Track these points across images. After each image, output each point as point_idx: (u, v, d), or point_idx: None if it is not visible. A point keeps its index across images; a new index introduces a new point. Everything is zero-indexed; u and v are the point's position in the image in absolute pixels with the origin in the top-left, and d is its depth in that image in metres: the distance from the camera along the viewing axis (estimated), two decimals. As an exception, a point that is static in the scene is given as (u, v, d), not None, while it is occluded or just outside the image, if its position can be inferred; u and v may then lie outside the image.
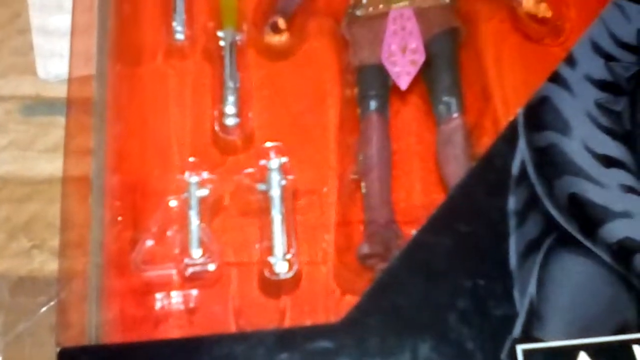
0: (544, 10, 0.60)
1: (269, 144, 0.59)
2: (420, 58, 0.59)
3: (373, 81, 0.60)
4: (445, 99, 0.59)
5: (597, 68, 0.55)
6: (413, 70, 0.60)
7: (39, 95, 0.69)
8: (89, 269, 0.54)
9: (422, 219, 0.52)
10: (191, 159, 0.59)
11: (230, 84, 0.59)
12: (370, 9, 0.62)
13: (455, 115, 0.58)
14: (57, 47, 0.69)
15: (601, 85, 0.54)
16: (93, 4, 0.64)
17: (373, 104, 0.60)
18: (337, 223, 0.57)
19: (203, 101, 0.60)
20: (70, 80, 0.60)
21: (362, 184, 0.58)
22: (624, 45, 0.56)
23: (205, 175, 0.57)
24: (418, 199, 0.58)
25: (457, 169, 0.56)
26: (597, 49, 0.56)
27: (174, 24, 0.61)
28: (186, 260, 0.55)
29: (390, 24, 0.61)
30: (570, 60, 0.55)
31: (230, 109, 0.59)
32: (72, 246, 0.56)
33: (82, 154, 0.59)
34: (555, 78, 0.55)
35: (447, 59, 0.60)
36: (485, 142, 0.56)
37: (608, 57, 0.55)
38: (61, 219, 0.56)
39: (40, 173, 0.66)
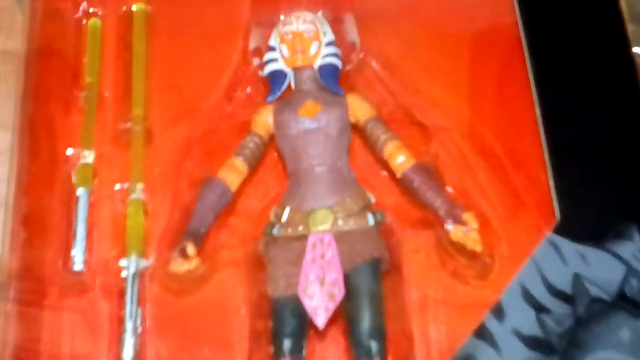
0: (473, 243, 0.54)
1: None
2: (340, 293, 0.54)
3: (289, 317, 0.55)
4: (366, 343, 0.53)
5: (528, 322, 0.50)
6: (332, 306, 0.54)
7: None
8: None
9: None
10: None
11: (129, 325, 0.54)
12: (290, 230, 0.57)
13: (377, 360, 0.53)
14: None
15: (531, 342, 0.49)
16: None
17: (287, 345, 0.54)
18: None
19: (100, 342, 0.55)
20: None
21: None
22: (558, 294, 0.50)
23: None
24: None
25: None
26: (528, 297, 0.51)
27: (73, 252, 0.56)
28: None
29: (309, 251, 0.56)
30: (499, 312, 0.50)
31: (128, 352, 0.53)
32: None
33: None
34: (482, 333, 0.50)
35: (370, 295, 0.55)
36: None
37: (540, 308, 0.50)
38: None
39: None
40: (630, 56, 0.58)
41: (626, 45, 0.58)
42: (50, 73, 0.62)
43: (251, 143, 0.60)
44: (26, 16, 0.63)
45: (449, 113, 0.60)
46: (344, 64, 0.61)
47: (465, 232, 0.55)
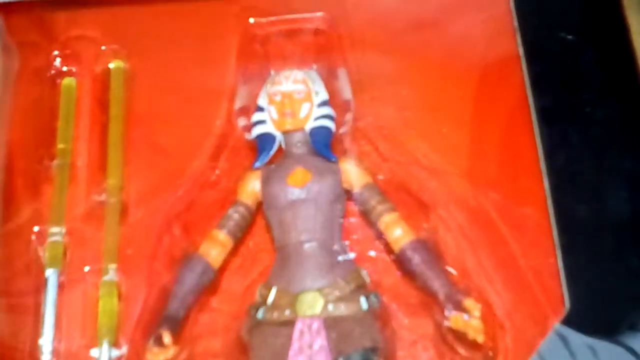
0: (475, 332, 0.50)
1: None
2: (329, 387, 0.50)
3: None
4: None
5: None
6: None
7: None
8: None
9: None
10: None
11: None
12: (275, 313, 0.52)
13: None
14: None
15: None
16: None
17: None
18: None
19: None
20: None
21: None
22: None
23: None
24: None
25: None
26: (533, 398, 0.46)
27: (40, 341, 0.52)
28: None
29: (296, 339, 0.51)
30: None
31: None
32: None
33: None
34: None
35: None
36: None
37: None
38: None
39: None
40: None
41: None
42: (21, 137, 0.58)
43: (236, 213, 0.55)
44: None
45: (448, 183, 0.55)
46: (338, 125, 0.57)
47: (466, 320, 0.50)
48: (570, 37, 0.58)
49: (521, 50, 0.57)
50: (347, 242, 0.55)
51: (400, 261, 0.54)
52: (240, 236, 0.56)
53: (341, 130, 0.57)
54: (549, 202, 0.52)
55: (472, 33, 0.59)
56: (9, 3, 0.60)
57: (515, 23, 0.58)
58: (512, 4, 0.59)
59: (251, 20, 0.60)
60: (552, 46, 0.58)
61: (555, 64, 0.57)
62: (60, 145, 0.57)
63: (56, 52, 0.60)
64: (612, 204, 0.51)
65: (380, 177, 0.56)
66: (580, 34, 0.57)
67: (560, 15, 0.59)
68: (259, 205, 0.56)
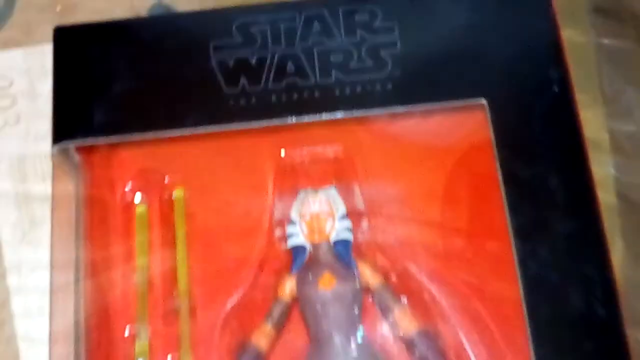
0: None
1: None
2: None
3: None
4: None
5: None
6: None
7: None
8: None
9: None
10: None
11: None
12: None
13: None
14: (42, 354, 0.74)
15: None
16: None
17: None
18: None
19: None
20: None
21: None
22: None
23: None
24: None
25: None
26: None
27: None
28: None
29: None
30: None
31: None
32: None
33: None
34: None
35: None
36: None
37: None
38: None
39: None
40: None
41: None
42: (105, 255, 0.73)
43: (278, 309, 0.71)
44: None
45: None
46: (354, 233, 0.72)
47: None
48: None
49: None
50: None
51: (409, 346, 0.69)
52: (282, 326, 0.71)
53: (359, 238, 0.73)
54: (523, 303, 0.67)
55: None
56: (87, 146, 0.73)
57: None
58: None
59: (282, 151, 0.75)
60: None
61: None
62: (139, 261, 0.72)
63: (130, 184, 0.74)
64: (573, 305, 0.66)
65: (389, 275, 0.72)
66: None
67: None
68: (295, 301, 0.71)
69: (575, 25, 0.84)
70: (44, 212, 0.80)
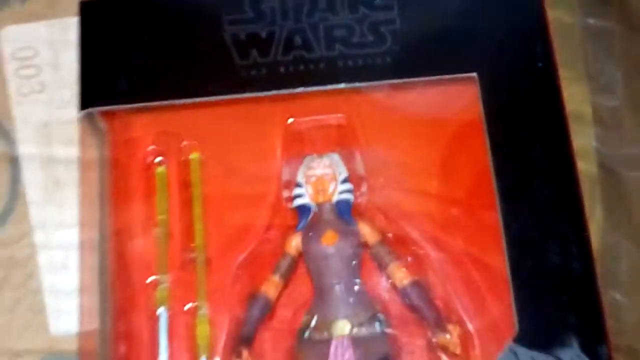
0: (454, 347, 0.73)
1: None
2: (355, 387, 0.73)
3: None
4: None
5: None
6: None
7: (52, 348, 0.82)
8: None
9: None
10: None
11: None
12: (316, 335, 0.74)
13: None
14: (66, 306, 0.82)
15: None
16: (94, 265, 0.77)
17: None
18: None
19: None
20: (79, 335, 0.74)
21: None
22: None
23: None
24: None
25: None
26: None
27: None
28: None
29: (332, 353, 0.74)
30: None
31: None
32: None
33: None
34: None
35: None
36: None
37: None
38: None
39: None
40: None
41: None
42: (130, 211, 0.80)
43: (285, 262, 0.77)
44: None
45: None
46: (355, 195, 0.79)
47: (448, 339, 0.74)
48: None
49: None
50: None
51: (402, 297, 0.76)
52: (289, 278, 0.77)
53: (359, 200, 0.79)
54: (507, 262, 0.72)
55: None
56: (110, 112, 0.78)
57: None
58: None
59: (290, 119, 0.80)
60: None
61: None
62: (160, 217, 0.77)
63: (152, 147, 0.79)
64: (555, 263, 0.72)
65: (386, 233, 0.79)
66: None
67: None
68: (301, 256, 0.78)
69: (564, 7, 0.89)
70: (67, 174, 0.86)
